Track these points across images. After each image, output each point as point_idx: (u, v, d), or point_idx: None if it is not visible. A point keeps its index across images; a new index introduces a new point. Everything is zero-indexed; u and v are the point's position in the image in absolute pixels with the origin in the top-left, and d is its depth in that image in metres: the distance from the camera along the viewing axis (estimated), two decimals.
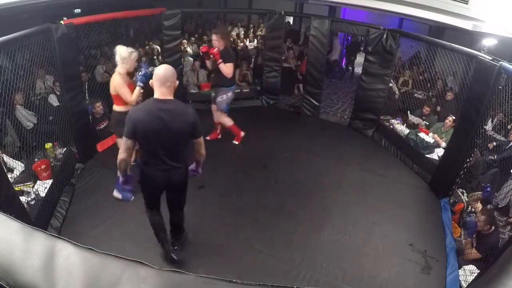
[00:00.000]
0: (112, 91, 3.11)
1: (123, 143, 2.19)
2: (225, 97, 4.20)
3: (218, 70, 3.93)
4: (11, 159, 3.45)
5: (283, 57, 6.23)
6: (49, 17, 3.88)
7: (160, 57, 6.10)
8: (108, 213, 3.26)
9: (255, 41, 8.83)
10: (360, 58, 7.73)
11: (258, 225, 3.21)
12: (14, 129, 3.86)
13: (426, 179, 4.15)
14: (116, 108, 3.19)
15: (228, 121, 4.46)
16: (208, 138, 4.40)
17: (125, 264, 0.67)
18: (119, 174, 2.40)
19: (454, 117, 4.52)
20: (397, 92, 5.89)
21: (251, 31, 9.49)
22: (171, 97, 2.17)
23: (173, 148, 2.23)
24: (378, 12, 6.15)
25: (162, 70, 2.15)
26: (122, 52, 3.05)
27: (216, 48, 3.84)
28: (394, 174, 4.27)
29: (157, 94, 2.15)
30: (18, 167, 3.44)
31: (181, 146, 2.26)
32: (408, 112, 5.28)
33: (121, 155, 2.21)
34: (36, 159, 3.61)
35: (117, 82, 3.04)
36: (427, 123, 5.02)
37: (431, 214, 3.62)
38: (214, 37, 3.88)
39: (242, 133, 4.57)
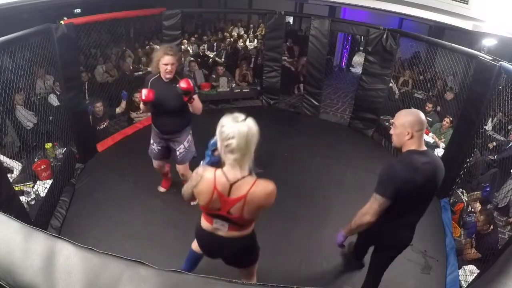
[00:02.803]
0: (253, 211, 1.65)
1: (375, 204, 1.82)
2: (190, 137, 2.96)
3: (176, 108, 2.62)
4: (9, 159, 3.43)
5: (294, 61, 6.18)
6: (49, 17, 3.87)
7: None
8: (108, 213, 3.26)
9: (255, 41, 8.84)
10: (359, 58, 7.73)
11: (258, 225, 3.19)
12: (14, 129, 3.86)
13: None
14: (249, 229, 1.85)
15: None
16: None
17: (125, 264, 0.67)
18: (342, 235, 2.13)
19: (451, 118, 4.54)
20: (397, 92, 5.89)
21: (251, 31, 9.50)
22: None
23: (427, 204, 1.97)
24: (378, 12, 6.15)
25: (419, 114, 1.80)
26: (253, 131, 1.53)
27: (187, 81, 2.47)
28: None
29: (416, 145, 1.79)
30: (17, 166, 3.43)
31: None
32: None
33: (371, 218, 1.85)
34: (36, 159, 3.62)
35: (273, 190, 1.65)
36: (430, 119, 5.04)
37: (431, 214, 3.61)
38: (170, 59, 2.52)
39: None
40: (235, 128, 1.48)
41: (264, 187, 1.61)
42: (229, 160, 1.54)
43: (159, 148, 2.97)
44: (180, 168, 3.05)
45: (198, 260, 2.41)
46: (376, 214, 1.83)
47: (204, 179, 1.60)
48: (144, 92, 2.51)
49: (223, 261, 2.01)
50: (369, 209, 1.84)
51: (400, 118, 1.83)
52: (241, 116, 1.53)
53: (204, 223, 1.82)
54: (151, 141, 3.01)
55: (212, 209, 1.67)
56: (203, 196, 1.63)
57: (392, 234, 2.02)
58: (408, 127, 1.78)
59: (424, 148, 1.83)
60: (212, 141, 1.71)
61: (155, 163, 3.18)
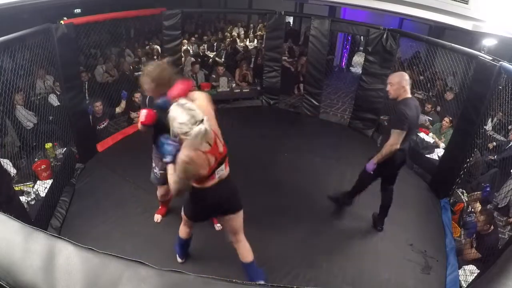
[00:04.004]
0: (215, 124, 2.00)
1: (398, 136, 2.65)
2: None
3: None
4: None
5: (293, 61, 6.17)
6: (48, 17, 3.87)
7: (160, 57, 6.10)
8: (108, 213, 3.26)
9: (255, 41, 8.84)
10: (359, 58, 7.73)
11: (258, 225, 3.20)
12: (14, 129, 3.86)
13: (426, 179, 4.14)
14: None
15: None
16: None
17: (125, 264, 0.67)
18: (373, 163, 2.83)
19: (451, 118, 4.54)
20: None
21: (251, 31, 9.49)
22: None
23: (415, 133, 2.85)
24: (378, 12, 6.14)
25: (406, 74, 2.73)
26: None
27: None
28: None
29: (407, 94, 2.70)
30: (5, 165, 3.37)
31: None
32: None
33: (397, 146, 2.66)
34: (36, 159, 3.62)
35: None
36: (431, 119, 5.04)
37: (431, 214, 3.62)
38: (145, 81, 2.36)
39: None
40: (193, 129, 1.71)
41: (199, 97, 1.95)
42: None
43: (162, 172, 2.72)
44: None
45: (188, 245, 2.67)
46: (399, 143, 2.66)
47: (193, 159, 1.80)
48: (144, 113, 2.34)
49: (224, 212, 2.22)
50: (395, 141, 2.66)
51: (395, 78, 2.73)
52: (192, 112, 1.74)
53: (209, 183, 2.00)
54: (153, 165, 2.80)
55: (212, 166, 1.91)
56: (204, 166, 1.87)
57: (396, 156, 2.77)
58: (402, 83, 2.68)
59: (410, 95, 2.73)
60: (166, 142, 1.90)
61: (160, 190, 2.94)
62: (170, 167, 1.92)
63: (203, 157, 1.86)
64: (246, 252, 2.35)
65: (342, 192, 3.48)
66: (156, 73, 2.32)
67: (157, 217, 3.22)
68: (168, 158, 1.89)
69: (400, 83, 2.69)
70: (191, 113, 1.73)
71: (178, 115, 1.74)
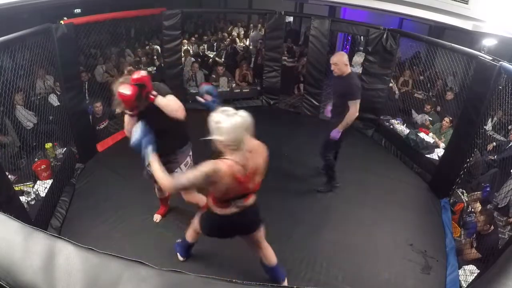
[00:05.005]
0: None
1: (357, 105, 3.14)
2: (190, 161, 2.67)
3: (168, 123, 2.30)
4: None
5: (294, 61, 6.18)
6: (48, 17, 3.87)
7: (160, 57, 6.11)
8: (108, 213, 3.26)
9: None
10: (359, 58, 7.72)
11: None
12: (14, 129, 3.86)
13: (426, 179, 4.15)
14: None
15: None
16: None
17: (125, 264, 0.67)
18: (337, 131, 3.40)
19: (450, 118, 4.54)
20: (397, 92, 5.88)
21: (251, 31, 9.49)
22: None
23: None
24: (378, 12, 6.14)
25: (344, 53, 3.22)
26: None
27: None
28: (394, 174, 4.27)
29: (349, 69, 3.18)
30: None
31: None
32: (413, 110, 5.29)
33: (357, 113, 3.19)
34: (36, 159, 3.62)
35: None
36: (431, 119, 5.05)
37: (431, 214, 3.62)
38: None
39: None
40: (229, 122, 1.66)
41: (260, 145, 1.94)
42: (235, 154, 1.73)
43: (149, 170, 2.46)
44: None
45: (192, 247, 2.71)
46: (358, 111, 3.20)
47: (221, 173, 1.68)
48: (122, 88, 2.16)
49: (242, 234, 2.22)
50: (355, 110, 3.17)
51: (337, 58, 3.16)
52: (231, 109, 1.70)
53: (222, 210, 1.94)
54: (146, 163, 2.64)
55: (230, 195, 1.83)
56: (222, 189, 1.76)
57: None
58: (345, 62, 3.16)
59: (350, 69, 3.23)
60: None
61: (156, 186, 2.94)
62: (153, 160, 1.84)
63: (230, 179, 1.71)
64: (271, 256, 2.35)
65: (326, 183, 3.83)
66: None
67: (157, 217, 3.22)
68: (146, 153, 1.89)
69: (343, 62, 3.15)
70: (226, 111, 1.69)
71: (215, 117, 1.68)
